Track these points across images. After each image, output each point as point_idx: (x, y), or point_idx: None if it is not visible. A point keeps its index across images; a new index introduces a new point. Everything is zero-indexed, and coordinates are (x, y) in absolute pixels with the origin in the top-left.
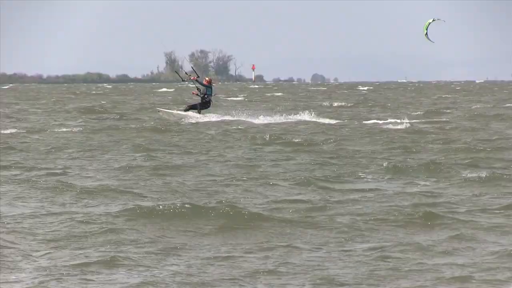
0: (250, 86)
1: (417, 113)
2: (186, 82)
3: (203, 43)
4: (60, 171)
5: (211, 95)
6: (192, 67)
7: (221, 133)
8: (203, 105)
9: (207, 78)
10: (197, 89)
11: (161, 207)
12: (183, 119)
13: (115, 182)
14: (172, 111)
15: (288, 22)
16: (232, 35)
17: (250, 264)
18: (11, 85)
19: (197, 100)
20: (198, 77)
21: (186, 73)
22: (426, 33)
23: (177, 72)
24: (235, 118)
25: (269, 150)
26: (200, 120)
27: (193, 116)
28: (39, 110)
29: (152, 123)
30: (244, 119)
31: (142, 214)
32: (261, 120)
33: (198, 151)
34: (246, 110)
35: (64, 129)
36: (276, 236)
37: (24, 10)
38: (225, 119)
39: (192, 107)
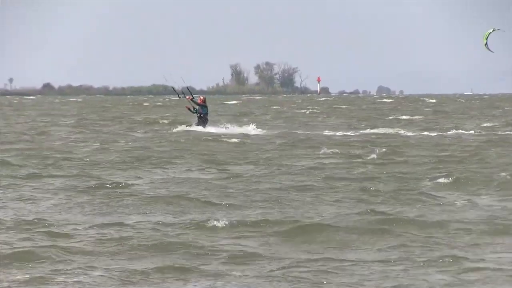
0: (319, 99)
1: (494, 124)
2: (182, 97)
3: (268, 55)
4: (147, 182)
5: (206, 114)
6: (187, 88)
7: (290, 143)
8: (199, 123)
9: (201, 97)
10: (193, 108)
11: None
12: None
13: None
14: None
15: (353, 35)
16: (297, 47)
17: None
18: (84, 96)
19: (194, 119)
20: (193, 97)
21: (183, 92)
22: (486, 43)
23: (173, 89)
24: (301, 131)
25: (348, 161)
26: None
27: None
28: (110, 122)
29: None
30: (310, 132)
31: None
32: (330, 132)
33: (278, 163)
34: (312, 122)
35: (130, 143)
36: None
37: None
38: (292, 131)
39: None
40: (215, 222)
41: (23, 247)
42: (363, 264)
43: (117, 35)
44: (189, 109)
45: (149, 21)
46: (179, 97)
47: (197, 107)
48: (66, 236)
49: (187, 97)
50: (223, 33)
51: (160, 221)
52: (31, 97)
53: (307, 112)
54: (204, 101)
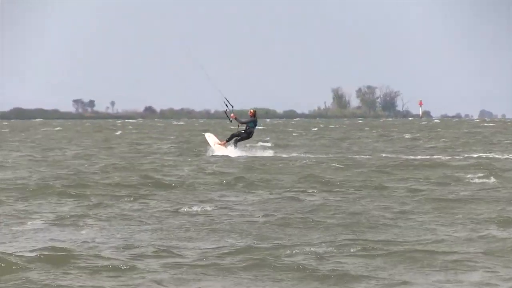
0: (422, 122)
1: None
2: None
3: (370, 78)
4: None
5: (253, 127)
6: (225, 111)
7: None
8: (247, 135)
9: (251, 110)
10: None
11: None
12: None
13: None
14: (213, 143)
15: (455, 57)
16: (399, 70)
17: None
18: (186, 119)
19: (241, 129)
20: (236, 118)
21: (226, 112)
22: None
23: (225, 113)
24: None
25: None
26: (230, 154)
27: (222, 149)
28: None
29: (304, 161)
30: (412, 156)
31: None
32: (429, 155)
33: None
34: (412, 145)
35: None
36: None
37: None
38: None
39: (235, 135)
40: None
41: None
42: None
43: (221, 59)
44: (235, 118)
45: (252, 46)
46: (230, 121)
47: (242, 126)
48: None
49: (232, 115)
50: (326, 56)
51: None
52: (130, 120)
53: (408, 136)
54: (254, 114)
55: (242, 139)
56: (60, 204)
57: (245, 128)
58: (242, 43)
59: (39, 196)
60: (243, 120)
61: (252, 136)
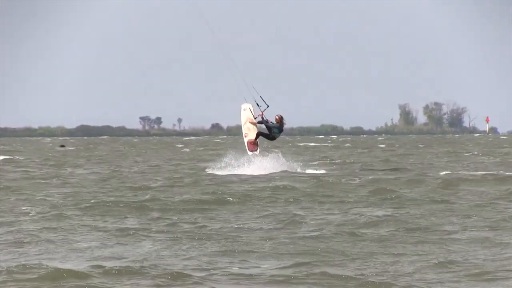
0: (489, 139)
1: None
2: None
3: (437, 94)
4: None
5: (278, 133)
6: (257, 104)
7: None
8: (270, 138)
9: (277, 117)
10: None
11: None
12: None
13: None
14: (245, 120)
15: None
16: (466, 86)
17: None
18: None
19: (265, 130)
20: (263, 117)
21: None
22: None
23: (257, 106)
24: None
25: None
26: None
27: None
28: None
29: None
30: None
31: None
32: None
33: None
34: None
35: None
36: None
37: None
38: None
39: (262, 135)
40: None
41: None
42: None
43: (283, 74)
44: (262, 116)
45: (321, 62)
46: (254, 118)
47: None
48: None
49: (260, 113)
50: (393, 72)
51: None
52: (194, 137)
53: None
54: (280, 120)
55: (264, 136)
56: (123, 218)
57: (268, 132)
58: (312, 60)
59: (104, 211)
60: (269, 124)
61: (273, 140)
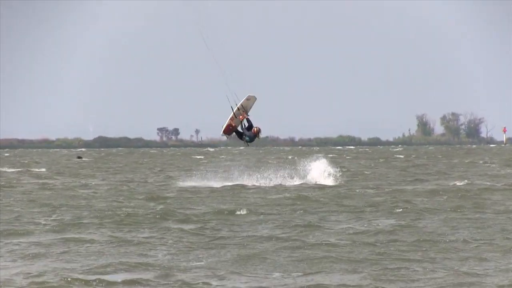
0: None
1: None
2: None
3: (454, 105)
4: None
5: (248, 141)
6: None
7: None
8: (241, 139)
9: (255, 129)
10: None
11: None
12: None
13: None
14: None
15: None
16: (483, 96)
17: None
18: (268, 147)
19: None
20: (248, 118)
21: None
22: None
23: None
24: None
25: None
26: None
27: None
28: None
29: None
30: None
31: None
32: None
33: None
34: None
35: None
36: None
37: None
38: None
39: (236, 132)
40: None
41: None
42: None
43: (298, 85)
44: (247, 118)
45: (338, 74)
46: (235, 117)
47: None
48: None
49: (241, 116)
50: (410, 83)
51: None
52: (209, 149)
53: (481, 162)
54: (257, 133)
55: (237, 135)
56: (138, 228)
57: (240, 136)
58: (330, 72)
59: (119, 220)
60: (246, 132)
61: (243, 139)
